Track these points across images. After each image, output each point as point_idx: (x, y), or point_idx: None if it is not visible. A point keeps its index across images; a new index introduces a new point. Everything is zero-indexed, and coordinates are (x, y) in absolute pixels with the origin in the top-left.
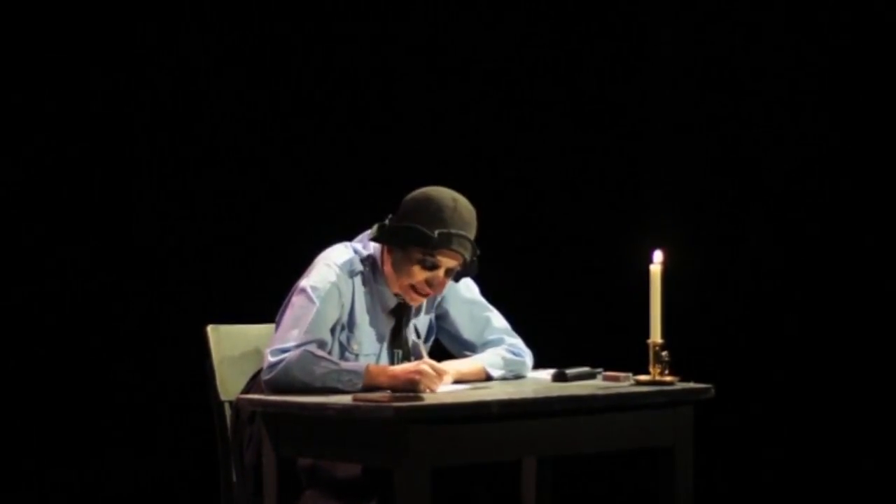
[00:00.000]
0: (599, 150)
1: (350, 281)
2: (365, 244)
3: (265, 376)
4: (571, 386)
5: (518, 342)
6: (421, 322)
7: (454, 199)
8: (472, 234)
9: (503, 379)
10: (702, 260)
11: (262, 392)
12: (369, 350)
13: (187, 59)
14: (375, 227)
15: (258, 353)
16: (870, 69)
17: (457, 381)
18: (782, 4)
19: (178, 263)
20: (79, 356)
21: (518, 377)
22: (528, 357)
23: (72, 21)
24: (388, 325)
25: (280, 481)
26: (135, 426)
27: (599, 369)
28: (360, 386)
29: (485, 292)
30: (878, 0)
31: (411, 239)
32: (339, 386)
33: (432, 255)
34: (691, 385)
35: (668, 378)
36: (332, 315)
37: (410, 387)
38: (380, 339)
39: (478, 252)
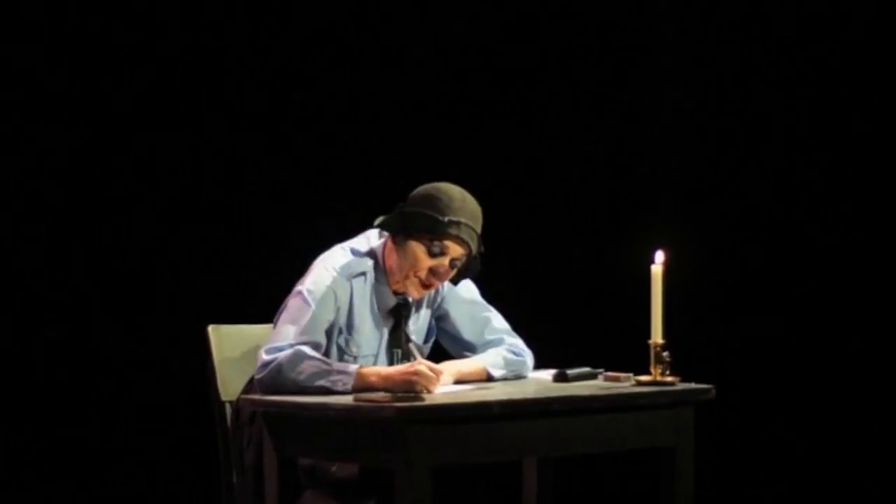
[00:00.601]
0: (600, 150)
1: (347, 284)
2: (367, 242)
3: (258, 375)
4: (572, 386)
5: (519, 342)
6: (420, 322)
7: (462, 193)
8: (478, 229)
9: (504, 379)
10: (703, 260)
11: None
12: (368, 351)
13: (189, 56)
14: (382, 217)
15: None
16: (870, 69)
17: (458, 382)
18: (785, 3)
19: (179, 263)
20: (79, 356)
21: (519, 377)
22: (528, 357)
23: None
24: (387, 326)
25: (280, 481)
26: (135, 426)
27: (600, 370)
28: (350, 387)
29: (485, 292)
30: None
31: (420, 224)
32: (330, 386)
33: (440, 240)
34: (692, 385)
35: (669, 378)
36: (328, 318)
37: (407, 387)
38: (379, 341)
39: (482, 248)
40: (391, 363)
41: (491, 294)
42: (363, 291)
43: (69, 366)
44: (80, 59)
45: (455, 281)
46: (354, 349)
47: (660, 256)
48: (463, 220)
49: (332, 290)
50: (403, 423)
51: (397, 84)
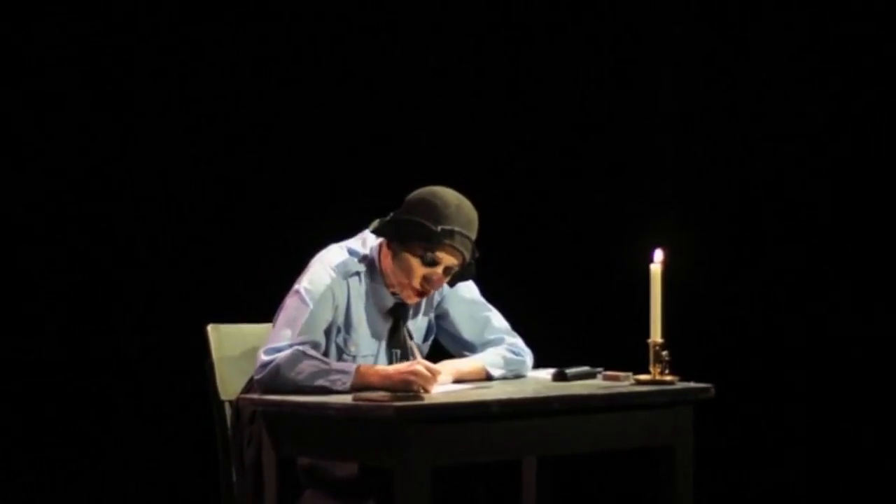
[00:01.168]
0: (600, 150)
1: (345, 283)
2: (363, 243)
3: (257, 375)
4: (571, 385)
5: (518, 342)
6: (418, 324)
7: (458, 199)
8: (473, 235)
9: (503, 378)
10: (702, 259)
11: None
12: (367, 351)
13: (189, 56)
14: (377, 221)
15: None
16: (869, 69)
17: (457, 381)
18: (784, 2)
19: (179, 263)
20: (79, 356)
21: (518, 377)
22: (528, 357)
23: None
24: (385, 325)
25: (280, 481)
26: (135, 426)
27: (599, 369)
28: (349, 386)
29: (485, 292)
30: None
31: (413, 233)
32: (329, 385)
33: (433, 251)
34: (691, 385)
35: (668, 378)
36: (326, 317)
37: (405, 387)
38: (377, 340)
39: (477, 255)
40: (391, 363)
41: (490, 293)
42: (360, 291)
43: (69, 365)
44: (79, 55)
45: (450, 285)
46: (353, 348)
47: (659, 256)
48: (457, 228)
49: (329, 289)
50: (403, 422)
51: (397, 84)
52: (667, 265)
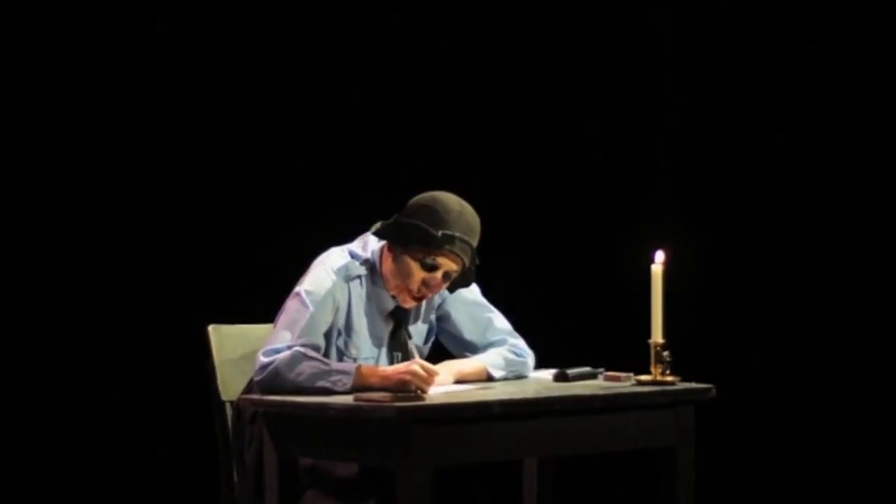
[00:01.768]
0: (600, 150)
1: (346, 286)
2: (364, 246)
3: (256, 377)
4: (573, 386)
5: (520, 343)
6: (419, 328)
7: (460, 205)
8: (474, 242)
9: (505, 379)
10: (703, 260)
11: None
12: (368, 354)
13: (190, 55)
14: (379, 223)
15: None
16: (870, 69)
17: (458, 382)
18: (785, 2)
19: (179, 263)
20: (79, 356)
21: (520, 377)
22: (529, 358)
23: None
24: (386, 328)
25: (281, 481)
26: (135, 426)
27: (601, 369)
28: (349, 386)
29: (486, 293)
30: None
31: (414, 237)
32: (329, 386)
33: (433, 255)
34: (692, 385)
35: (670, 378)
36: (326, 319)
37: (402, 387)
38: (378, 343)
39: (477, 261)
40: (391, 365)
41: (491, 294)
42: (361, 294)
43: (69, 365)
44: (79, 57)
45: (449, 291)
46: (354, 351)
47: (660, 256)
48: (458, 233)
49: (330, 292)
50: (404, 422)
51: (396, 84)
52: (668, 266)
